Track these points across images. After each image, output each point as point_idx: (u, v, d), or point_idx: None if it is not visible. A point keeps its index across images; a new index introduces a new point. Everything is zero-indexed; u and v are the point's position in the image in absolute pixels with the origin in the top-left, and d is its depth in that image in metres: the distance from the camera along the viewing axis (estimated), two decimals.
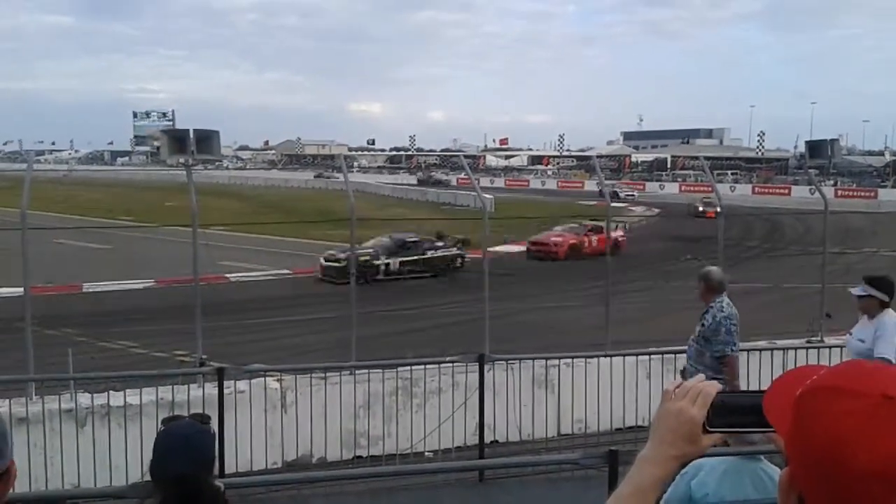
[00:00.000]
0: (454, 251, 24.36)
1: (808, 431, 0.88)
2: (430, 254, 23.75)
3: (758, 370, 7.85)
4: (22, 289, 7.61)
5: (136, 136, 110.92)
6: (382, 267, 22.45)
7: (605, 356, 8.29)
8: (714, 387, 1.18)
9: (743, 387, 6.30)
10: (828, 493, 0.85)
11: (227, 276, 21.44)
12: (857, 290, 6.04)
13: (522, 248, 28.26)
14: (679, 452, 1.19)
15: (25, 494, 4.30)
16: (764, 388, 1.08)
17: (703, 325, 6.50)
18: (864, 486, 0.81)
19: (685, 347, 9.03)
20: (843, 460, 0.83)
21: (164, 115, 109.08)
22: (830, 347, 8.70)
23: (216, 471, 2.82)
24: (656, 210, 46.15)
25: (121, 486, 4.44)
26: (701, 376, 1.27)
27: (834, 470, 0.83)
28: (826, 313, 9.46)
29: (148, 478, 2.54)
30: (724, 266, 10.57)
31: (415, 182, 68.56)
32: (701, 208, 38.64)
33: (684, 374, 6.79)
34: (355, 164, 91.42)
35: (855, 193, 54.98)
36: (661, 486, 1.21)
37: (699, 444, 1.18)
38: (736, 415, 1.16)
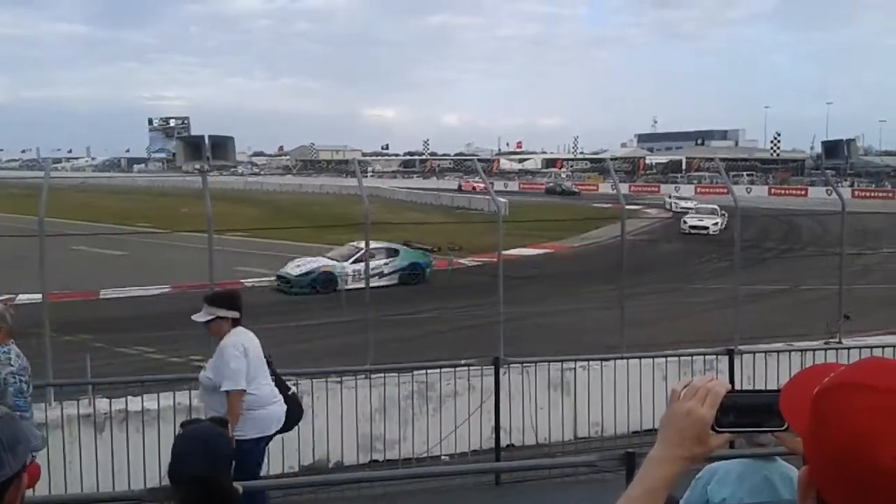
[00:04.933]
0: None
1: (827, 429, 0.87)
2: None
3: (776, 372, 7.81)
4: (40, 295, 7.69)
5: (152, 124, 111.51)
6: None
7: (621, 358, 8.27)
8: (723, 386, 1.18)
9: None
10: (849, 491, 0.84)
11: (243, 281, 21.52)
12: (200, 317, 5.19)
13: (536, 251, 28.29)
14: (688, 453, 1.18)
15: (45, 498, 4.33)
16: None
17: None
18: (887, 483, 0.80)
19: (702, 350, 9.02)
20: (866, 457, 0.82)
21: (181, 121, 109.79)
22: (849, 349, 8.64)
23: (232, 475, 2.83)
24: (669, 212, 45.93)
25: (139, 489, 4.47)
26: (710, 374, 1.26)
27: (856, 467, 0.82)
28: (844, 315, 9.40)
29: (166, 481, 2.56)
30: (741, 268, 10.53)
31: (429, 186, 68.60)
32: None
33: None
34: (369, 168, 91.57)
35: (873, 194, 54.48)
36: (670, 487, 1.21)
37: (708, 445, 1.18)
38: (745, 415, 1.15)
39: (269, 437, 5.43)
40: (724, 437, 1.19)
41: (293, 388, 5.85)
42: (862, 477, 0.82)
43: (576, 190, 63.45)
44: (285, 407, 5.47)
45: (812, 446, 0.91)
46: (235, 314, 5.22)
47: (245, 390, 5.09)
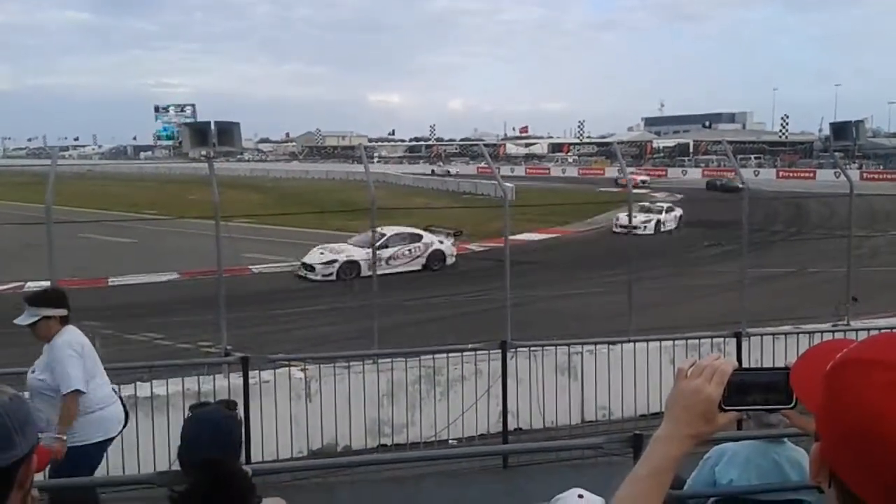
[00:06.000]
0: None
1: (840, 405, 0.86)
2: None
3: (783, 354, 7.80)
4: (48, 283, 7.71)
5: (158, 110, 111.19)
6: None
7: (628, 342, 8.27)
8: (730, 364, 1.18)
9: None
10: (862, 467, 0.83)
11: (250, 267, 21.59)
12: (23, 320, 4.72)
13: (543, 236, 28.24)
14: (694, 431, 1.18)
15: (55, 482, 4.37)
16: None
17: None
18: None
19: (710, 333, 9.01)
20: (880, 433, 0.81)
21: (184, 108, 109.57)
22: (857, 331, 8.62)
23: (242, 459, 2.85)
24: (678, 196, 45.77)
25: (149, 473, 4.50)
26: (717, 353, 1.26)
27: (869, 443, 0.82)
28: (852, 297, 9.38)
29: (176, 466, 2.57)
30: (748, 251, 10.51)
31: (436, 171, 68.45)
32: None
33: None
34: (375, 154, 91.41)
35: (881, 176, 54.21)
36: (676, 466, 1.20)
37: (715, 423, 1.18)
38: (753, 393, 1.15)
39: (112, 440, 5.03)
40: (731, 415, 1.18)
41: (117, 388, 5.47)
42: (875, 453, 0.81)
43: (739, 185, 55.01)
44: (122, 406, 5.12)
45: (825, 423, 0.90)
46: (63, 312, 4.84)
47: (80, 391, 4.70)
